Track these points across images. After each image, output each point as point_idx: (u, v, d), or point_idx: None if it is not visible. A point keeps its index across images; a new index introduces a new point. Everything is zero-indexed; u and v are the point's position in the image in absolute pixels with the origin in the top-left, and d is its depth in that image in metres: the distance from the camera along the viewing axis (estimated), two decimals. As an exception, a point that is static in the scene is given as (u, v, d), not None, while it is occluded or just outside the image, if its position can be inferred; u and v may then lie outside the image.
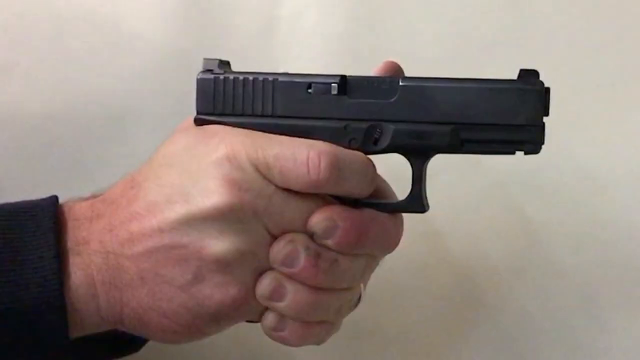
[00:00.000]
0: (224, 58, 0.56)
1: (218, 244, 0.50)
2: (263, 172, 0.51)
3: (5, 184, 0.76)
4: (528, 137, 0.53)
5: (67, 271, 0.51)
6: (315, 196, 0.52)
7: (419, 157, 0.54)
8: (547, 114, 0.53)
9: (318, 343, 0.55)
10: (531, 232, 0.77)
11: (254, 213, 0.51)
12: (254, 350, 0.77)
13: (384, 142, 0.54)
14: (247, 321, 0.55)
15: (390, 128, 0.53)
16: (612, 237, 0.77)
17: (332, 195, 0.53)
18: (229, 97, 0.55)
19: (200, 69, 0.55)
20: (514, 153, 0.54)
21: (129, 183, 0.53)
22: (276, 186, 0.51)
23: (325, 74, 0.54)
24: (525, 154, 0.53)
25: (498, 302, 0.78)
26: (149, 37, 0.77)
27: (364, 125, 0.54)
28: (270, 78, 0.54)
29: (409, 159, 0.55)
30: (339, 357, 0.77)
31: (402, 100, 0.53)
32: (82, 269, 0.51)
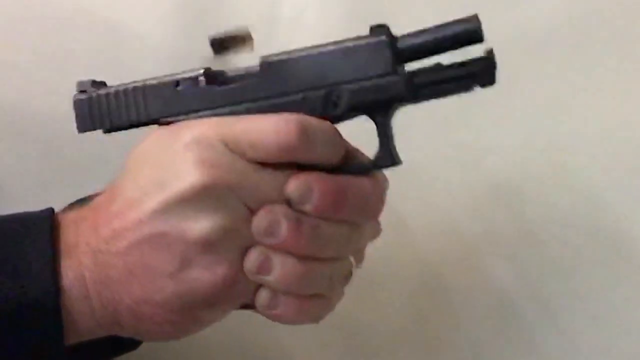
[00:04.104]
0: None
1: (198, 225, 0.50)
2: (232, 147, 0.51)
3: (5, 184, 0.76)
4: (479, 69, 0.53)
5: (60, 275, 0.52)
6: (289, 167, 0.52)
7: (379, 113, 0.54)
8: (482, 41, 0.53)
9: (315, 320, 0.55)
10: (531, 234, 0.77)
11: (229, 189, 0.51)
12: (252, 350, 0.76)
13: (343, 104, 0.54)
14: (242, 308, 0.54)
15: (346, 90, 0.53)
16: (611, 240, 0.77)
17: (304, 166, 0.53)
18: None
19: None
20: (471, 89, 0.53)
21: (109, 187, 0.54)
22: (248, 160, 0.52)
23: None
24: (482, 87, 0.53)
25: (497, 306, 0.78)
26: (148, 39, 0.77)
27: (321, 92, 0.54)
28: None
29: (370, 117, 0.55)
30: (338, 358, 0.77)
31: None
32: (72, 271, 0.52)
